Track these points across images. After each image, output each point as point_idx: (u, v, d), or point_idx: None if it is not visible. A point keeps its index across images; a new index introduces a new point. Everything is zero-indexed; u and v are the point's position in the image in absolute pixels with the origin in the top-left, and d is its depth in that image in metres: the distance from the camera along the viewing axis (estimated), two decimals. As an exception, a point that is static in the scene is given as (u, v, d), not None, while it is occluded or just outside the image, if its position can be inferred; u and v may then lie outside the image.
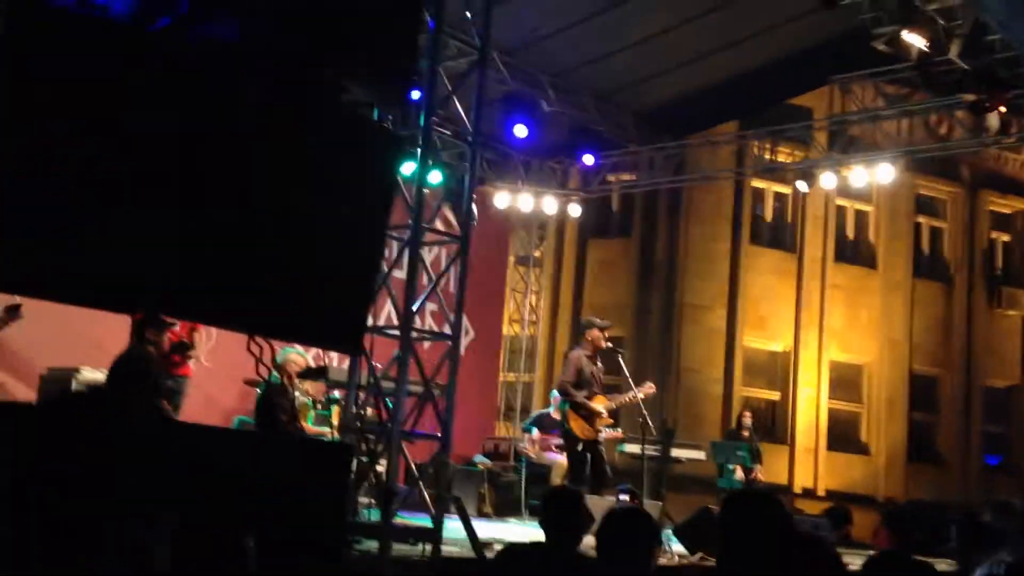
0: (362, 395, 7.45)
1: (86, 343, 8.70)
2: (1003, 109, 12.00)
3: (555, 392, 11.70)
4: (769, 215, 18.78)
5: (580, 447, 9.35)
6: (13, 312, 6.97)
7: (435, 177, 10.21)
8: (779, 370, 18.39)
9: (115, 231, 4.50)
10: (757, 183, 18.14)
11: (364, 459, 7.19)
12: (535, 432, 11.86)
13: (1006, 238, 20.74)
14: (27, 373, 8.96)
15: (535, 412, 13.77)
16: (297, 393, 9.02)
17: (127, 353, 6.86)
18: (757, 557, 3.43)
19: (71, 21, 4.57)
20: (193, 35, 4.88)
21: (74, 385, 8.12)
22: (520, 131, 13.26)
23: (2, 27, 4.41)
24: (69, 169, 4.42)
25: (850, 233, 19.34)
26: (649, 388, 9.80)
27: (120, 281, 4.64)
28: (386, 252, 7.67)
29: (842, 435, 18.54)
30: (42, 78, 4.36)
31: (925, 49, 10.97)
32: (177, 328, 8.19)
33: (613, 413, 9.70)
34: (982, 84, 11.84)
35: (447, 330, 7.54)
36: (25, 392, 8.90)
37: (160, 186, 4.66)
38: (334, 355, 11.17)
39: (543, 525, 4.26)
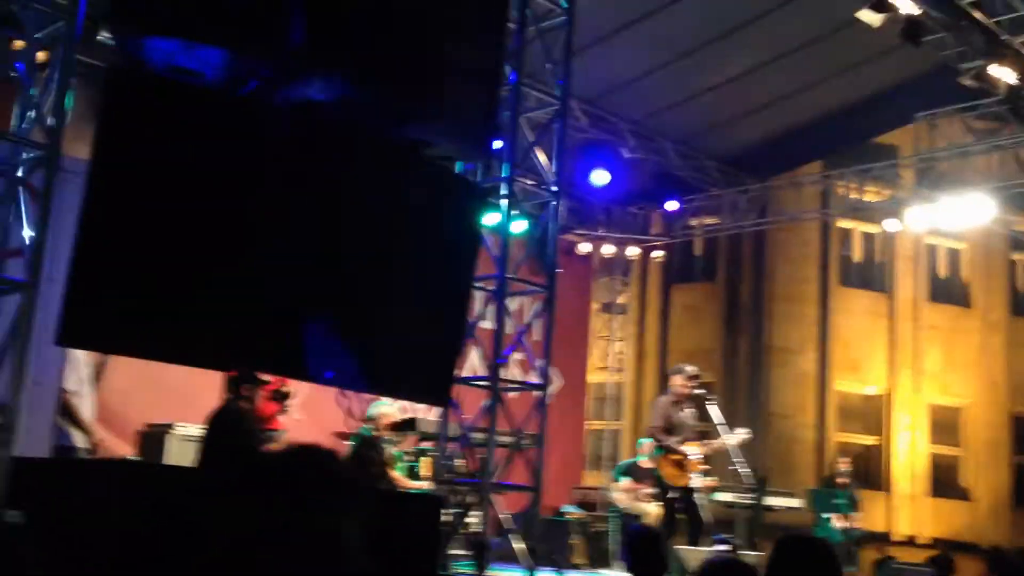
0: (451, 446, 7.45)
1: (181, 399, 8.86)
2: (1099, 140, 11.66)
3: (642, 440, 11.56)
4: (857, 255, 18.41)
5: (673, 495, 9.19)
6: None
7: (519, 227, 10.24)
8: (874, 414, 17.90)
9: (206, 289, 4.60)
10: (844, 223, 17.80)
11: (455, 511, 7.17)
12: (625, 481, 11.70)
13: (1108, 273, 20.01)
14: (125, 430, 9.15)
15: (624, 461, 13.60)
16: (387, 445, 9.04)
17: (221, 409, 6.99)
18: None
19: (166, 87, 4.71)
20: (280, 96, 4.99)
21: (169, 441, 8.26)
22: (601, 179, 13.31)
23: (102, 90, 4.57)
24: (161, 227, 4.53)
25: (942, 272, 18.83)
26: (744, 434, 9.58)
27: (211, 339, 4.72)
28: (473, 303, 7.70)
29: (942, 480, 17.93)
30: (137, 139, 4.49)
31: (1014, 83, 10.73)
32: (271, 383, 8.29)
33: (705, 460, 9.52)
34: (1074, 116, 11.55)
35: (533, 379, 7.51)
36: (124, 448, 9.09)
37: (250, 243, 4.74)
38: (422, 406, 11.20)
39: (628, 568, 4.23)
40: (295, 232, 5.02)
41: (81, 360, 6.98)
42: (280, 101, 4.99)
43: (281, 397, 7.97)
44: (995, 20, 10.42)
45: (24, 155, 5.15)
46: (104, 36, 6.40)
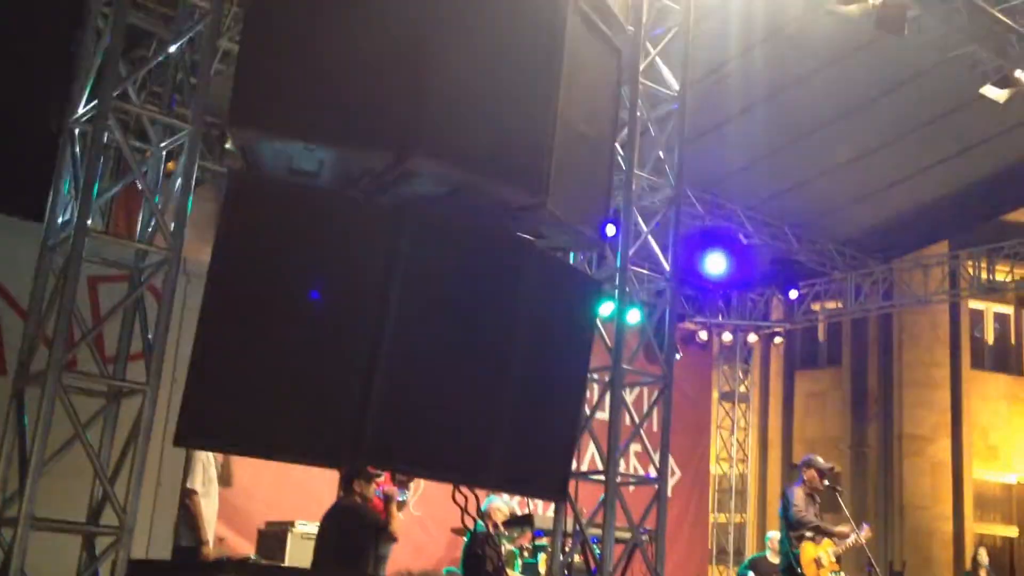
0: (569, 542, 7.24)
1: (302, 496, 8.92)
2: None
3: (770, 534, 11.13)
4: (990, 337, 17.66)
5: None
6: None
7: (633, 316, 10.11)
8: (1016, 504, 16.94)
9: (320, 387, 4.60)
10: (975, 304, 17.14)
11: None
12: (751, 576, 11.25)
13: None
14: (247, 527, 9.23)
15: (750, 556, 13.10)
16: (503, 541, 8.88)
17: (334, 507, 6.98)
18: None
19: (281, 190, 4.81)
20: (391, 192, 5.04)
21: (289, 539, 8.29)
22: (716, 265, 13.12)
23: (223, 193, 4.68)
24: (276, 327, 4.58)
25: (1083, 352, 17.91)
26: (868, 532, 9.21)
27: (326, 435, 4.71)
28: (588, 394, 7.56)
29: (1095, 575, 16.78)
30: (254, 241, 4.58)
31: None
32: (383, 479, 8.26)
33: (837, 559, 9.10)
34: None
35: (652, 472, 7.29)
36: (244, 546, 9.15)
37: (363, 341, 4.74)
38: (539, 501, 11.03)
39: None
40: (409, 328, 5.00)
41: (210, 460, 7.08)
42: (391, 197, 5.04)
43: (387, 500, 7.91)
44: None
45: (147, 259, 5.32)
46: (231, 145, 6.65)
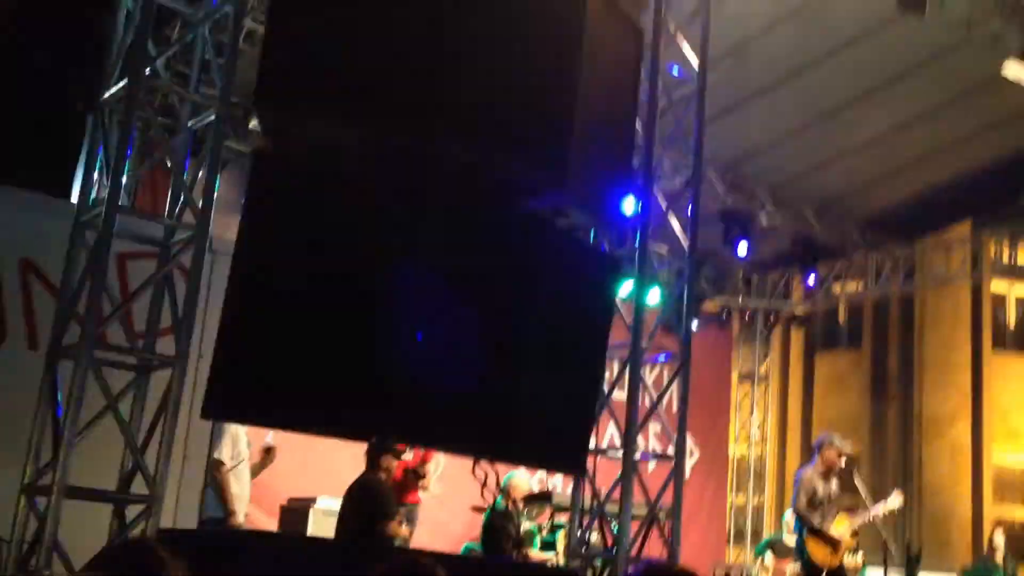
0: (586, 519, 7.34)
1: (326, 472, 9.02)
2: None
3: (787, 514, 11.16)
4: (1012, 319, 17.58)
5: (822, 576, 8.80)
6: (269, 455, 7.44)
7: (653, 296, 10.17)
8: (1035, 486, 16.94)
9: (344, 361, 4.70)
10: (997, 285, 17.07)
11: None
12: (768, 557, 11.31)
13: None
14: (270, 503, 9.35)
15: (767, 536, 13.17)
16: (523, 519, 8.99)
17: (359, 481, 7.09)
18: None
19: (304, 169, 4.90)
20: (414, 168, 5.11)
21: (312, 515, 8.40)
22: (741, 249, 13.15)
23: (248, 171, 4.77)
24: (301, 302, 4.67)
25: (1108, 333, 17.83)
26: (897, 499, 9.10)
27: (350, 409, 4.81)
28: (607, 373, 7.64)
29: (1113, 557, 16.75)
30: (279, 219, 4.68)
31: None
32: (410, 457, 8.36)
33: (854, 534, 9.11)
34: None
35: (671, 451, 7.36)
36: (266, 522, 9.27)
37: (387, 317, 4.84)
38: (559, 479, 11.12)
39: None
40: (431, 305, 5.10)
41: (240, 435, 7.20)
42: (415, 175, 5.12)
43: (416, 477, 8.02)
44: None
45: (176, 236, 5.42)
46: (255, 125, 6.73)
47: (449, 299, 5.08)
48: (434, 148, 4.95)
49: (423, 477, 8.60)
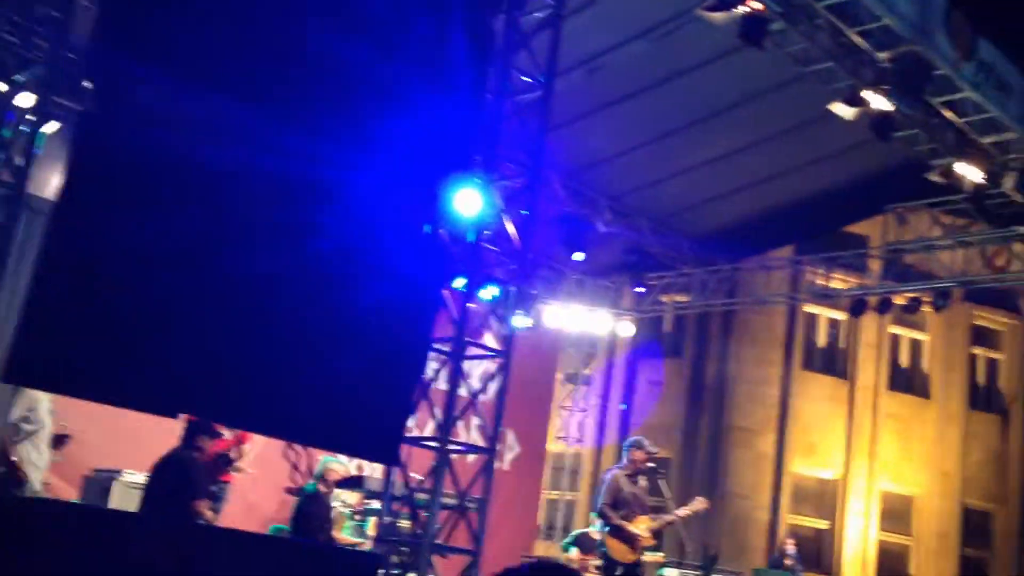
0: (399, 507, 7.44)
1: (133, 446, 8.80)
2: (1059, 243, 11.93)
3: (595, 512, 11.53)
4: (822, 341, 18.61)
5: (618, 572, 9.14)
6: (62, 442, 7.20)
7: (489, 293, 10.33)
8: (828, 498, 17.98)
9: (159, 336, 4.63)
10: (811, 308, 18.04)
11: (396, 571, 7.14)
12: (574, 552, 11.65)
13: (1065, 372, 20.32)
14: (72, 473, 9.05)
15: (575, 531, 13.56)
16: (336, 503, 9.00)
17: (172, 457, 6.98)
18: None
19: (132, 133, 4.79)
20: (244, 150, 5.06)
21: (115, 487, 8.20)
22: (577, 255, 13.53)
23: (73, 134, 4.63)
24: (118, 271, 4.58)
25: (904, 362, 19.06)
26: (700, 503, 9.52)
27: (162, 385, 4.75)
28: (435, 366, 7.74)
29: (890, 568, 17.96)
30: (101, 183, 4.56)
31: (980, 181, 11.00)
32: (228, 437, 8.24)
33: (656, 534, 9.49)
34: (1038, 218, 11.83)
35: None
36: (68, 491, 8.98)
37: (205, 293, 4.79)
38: (378, 465, 11.16)
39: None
40: (253, 284, 5.07)
41: (44, 400, 6.95)
42: (244, 157, 5.07)
43: (226, 462, 7.91)
44: (965, 120, 10.69)
45: (-9, 192, 5.23)
46: (87, 83, 6.50)
47: (271, 282, 5.07)
48: (269, 133, 4.93)
49: (232, 462, 8.47)
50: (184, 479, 6.85)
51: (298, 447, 5.61)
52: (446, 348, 7.42)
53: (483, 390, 7.97)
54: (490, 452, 7.28)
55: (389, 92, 5.85)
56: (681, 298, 16.21)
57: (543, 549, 15.62)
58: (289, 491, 8.88)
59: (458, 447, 8.63)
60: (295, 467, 5.63)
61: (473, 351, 7.84)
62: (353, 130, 5.54)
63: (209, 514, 7.37)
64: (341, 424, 5.62)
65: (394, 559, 7.38)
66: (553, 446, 16.64)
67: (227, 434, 8.25)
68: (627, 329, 16.17)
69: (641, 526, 9.20)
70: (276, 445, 7.47)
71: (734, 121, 12.12)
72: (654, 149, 12.63)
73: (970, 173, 10.90)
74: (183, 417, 6.62)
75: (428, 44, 6.10)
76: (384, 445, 6.01)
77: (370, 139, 5.73)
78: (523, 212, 7.86)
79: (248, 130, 4.90)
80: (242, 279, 4.91)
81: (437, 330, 6.99)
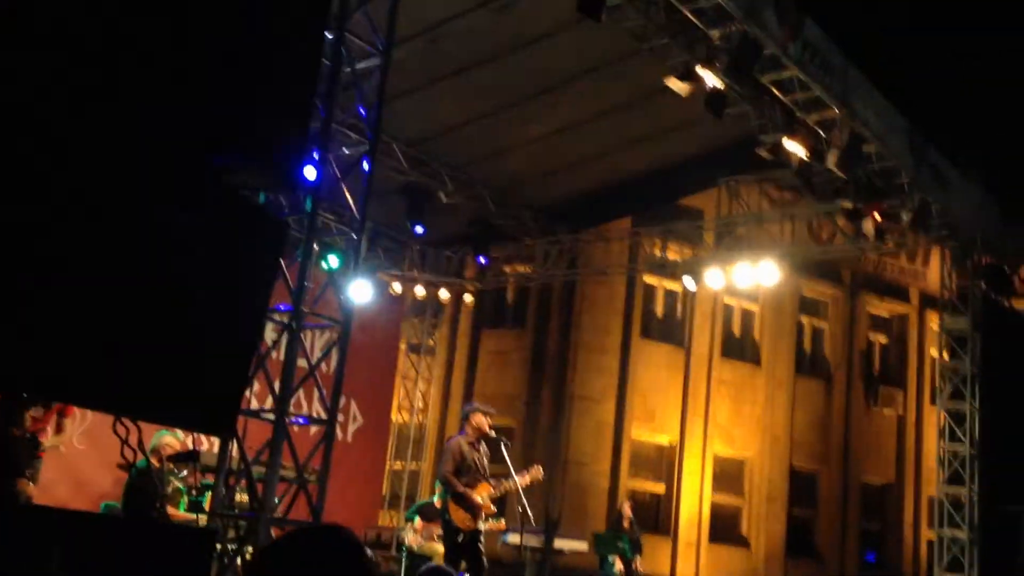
0: (235, 481, 7.31)
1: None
2: (878, 217, 12.61)
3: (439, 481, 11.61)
4: (660, 311, 19.16)
5: (460, 538, 9.23)
6: None
7: (332, 262, 10.24)
8: (665, 463, 18.60)
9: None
10: (649, 279, 18.54)
11: (232, 547, 7.02)
12: (417, 521, 11.71)
13: (883, 340, 21.58)
14: None
15: (419, 501, 13.63)
16: (172, 478, 8.76)
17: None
18: None
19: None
20: (82, 109, 4.84)
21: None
22: (419, 228, 13.53)
23: None
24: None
25: (737, 331, 19.84)
26: (537, 471, 9.68)
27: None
28: (274, 337, 7.61)
29: (724, 528, 18.76)
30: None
31: (805, 158, 11.48)
32: (40, 413, 7.84)
33: (496, 503, 9.62)
34: (859, 193, 12.46)
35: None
36: None
37: (30, 260, 4.57)
38: (216, 440, 10.93)
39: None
40: (80, 251, 4.86)
41: None
42: (82, 116, 4.85)
43: (33, 445, 7.51)
44: (792, 98, 11.13)
45: None
46: None
47: (101, 248, 4.86)
48: (108, 95, 4.71)
49: (39, 444, 8.04)
50: (4, 459, 6.55)
51: (127, 421, 5.41)
52: (284, 318, 7.30)
53: (324, 360, 7.88)
54: (330, 424, 7.22)
55: (220, 53, 5.68)
56: (523, 268, 16.42)
57: (387, 519, 15.64)
58: (121, 467, 8.59)
59: (296, 418, 8.54)
60: (125, 442, 5.42)
61: (312, 320, 7.76)
62: (188, 93, 5.37)
63: (32, 490, 7.08)
64: (172, 396, 5.45)
65: (231, 534, 7.25)
66: (397, 417, 16.65)
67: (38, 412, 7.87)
68: (470, 299, 16.28)
69: (484, 493, 9.30)
70: (106, 419, 7.19)
71: (575, 94, 12.32)
72: (496, 120, 12.71)
73: (796, 149, 11.35)
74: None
75: (260, 7, 5.95)
76: (219, 417, 5.86)
77: (204, 100, 5.56)
78: (361, 179, 7.79)
79: (89, 98, 4.68)
80: (67, 248, 4.70)
81: (278, 301, 6.89)
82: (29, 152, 4.67)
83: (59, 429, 7.27)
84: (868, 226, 12.82)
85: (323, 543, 2.21)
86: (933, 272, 19.14)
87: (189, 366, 5.60)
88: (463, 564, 9.04)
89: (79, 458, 10.13)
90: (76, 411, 8.46)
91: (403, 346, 16.66)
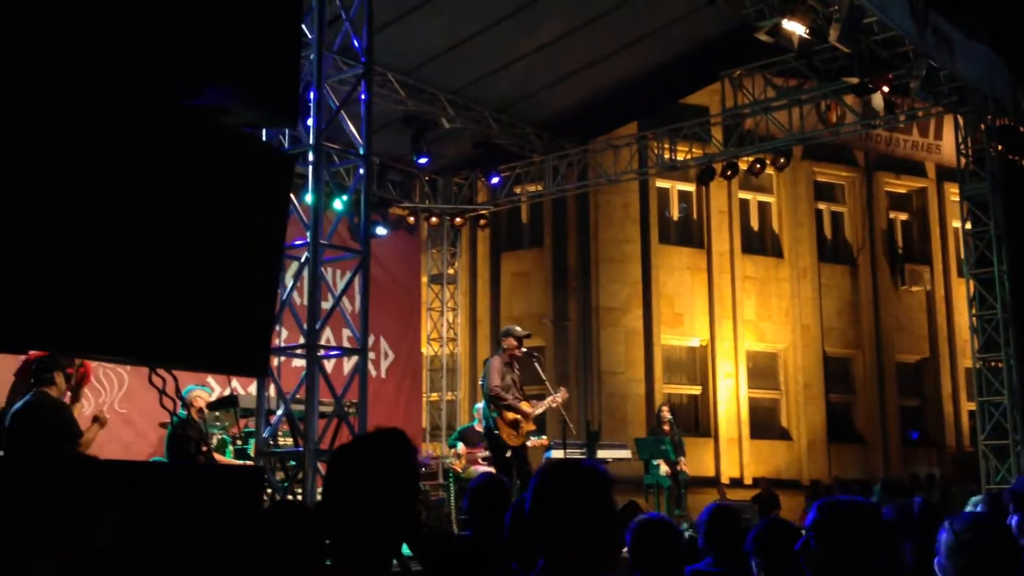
0: (275, 421, 7.35)
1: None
2: (886, 89, 12.38)
3: (478, 405, 11.69)
4: (675, 213, 19.05)
5: (508, 454, 9.33)
6: (98, 423, 6.80)
7: (339, 207, 10.19)
8: (698, 365, 18.64)
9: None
10: (661, 183, 18.41)
11: (283, 484, 7.08)
12: (460, 446, 11.82)
13: (904, 217, 21.38)
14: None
15: (459, 427, 13.74)
16: (213, 429, 8.83)
17: (30, 402, 6.64)
18: None
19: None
20: (59, 61, 4.76)
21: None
22: (421, 160, 13.45)
23: None
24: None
25: (755, 225, 19.71)
26: (563, 394, 9.86)
27: (6, 320, 4.50)
28: (289, 273, 7.59)
29: (763, 423, 18.85)
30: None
31: (806, 36, 11.25)
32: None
33: (536, 420, 9.71)
34: (863, 67, 12.22)
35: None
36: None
37: (46, 219, 4.54)
38: (249, 386, 11.01)
39: (469, 518, 4.29)
40: (93, 208, 4.82)
41: None
42: (60, 67, 4.78)
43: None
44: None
45: None
46: None
47: (112, 202, 4.82)
48: (86, 48, 4.63)
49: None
50: (54, 421, 6.57)
51: (162, 372, 5.41)
52: (303, 254, 7.28)
53: (346, 293, 7.87)
54: (362, 352, 7.23)
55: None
56: (534, 187, 16.31)
57: (430, 449, 15.78)
58: (163, 425, 8.68)
59: (328, 350, 8.57)
60: (163, 391, 5.43)
61: (331, 254, 7.73)
62: (169, 31, 5.27)
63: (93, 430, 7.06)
64: (203, 341, 5.46)
65: (279, 476, 7.32)
66: (427, 349, 16.72)
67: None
68: (485, 224, 16.22)
69: (526, 410, 9.39)
70: (142, 380, 7.22)
71: (563, 3, 12.10)
72: (487, 38, 12.51)
73: (796, 29, 11.12)
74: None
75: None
76: (251, 357, 5.87)
77: (188, 37, 5.46)
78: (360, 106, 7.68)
79: (62, 54, 4.60)
80: (79, 204, 4.66)
81: (292, 237, 6.86)
82: (40, 114, 4.62)
83: (75, 399, 7.27)
84: (877, 100, 12.62)
85: (384, 443, 2.39)
86: (947, 145, 18.87)
87: (214, 309, 5.59)
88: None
89: (123, 422, 10.23)
90: (93, 380, 8.48)
91: (424, 278, 16.66)
